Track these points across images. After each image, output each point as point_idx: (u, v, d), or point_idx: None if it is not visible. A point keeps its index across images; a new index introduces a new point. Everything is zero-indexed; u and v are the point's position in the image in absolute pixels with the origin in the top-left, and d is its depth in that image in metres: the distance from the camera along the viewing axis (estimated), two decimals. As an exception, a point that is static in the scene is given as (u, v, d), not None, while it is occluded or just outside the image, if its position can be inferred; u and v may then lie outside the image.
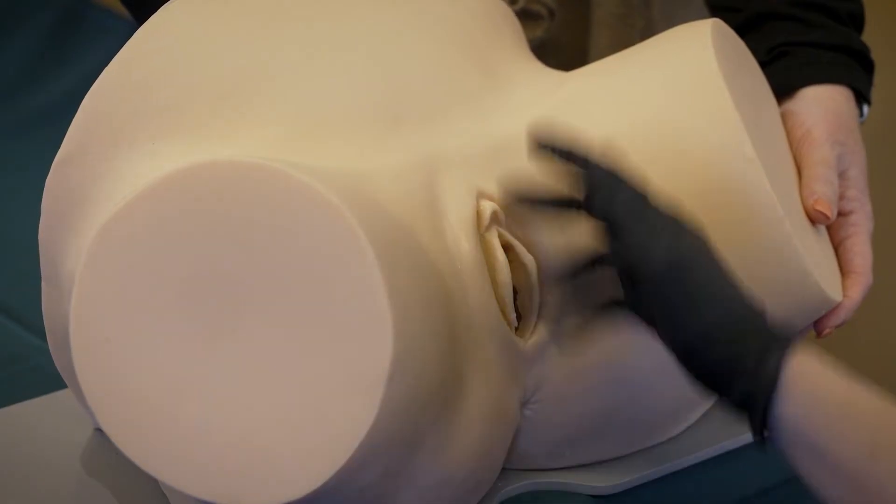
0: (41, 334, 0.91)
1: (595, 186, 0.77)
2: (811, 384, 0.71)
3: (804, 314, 0.89)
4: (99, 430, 0.95)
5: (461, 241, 0.82)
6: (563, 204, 0.79)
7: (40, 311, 0.88)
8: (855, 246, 0.95)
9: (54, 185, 0.84)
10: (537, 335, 0.85)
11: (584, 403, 0.88)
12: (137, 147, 0.82)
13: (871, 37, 1.05)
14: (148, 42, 0.83)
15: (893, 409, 0.70)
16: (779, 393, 0.71)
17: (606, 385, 0.88)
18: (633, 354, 0.87)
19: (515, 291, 0.85)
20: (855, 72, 1.00)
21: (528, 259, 0.85)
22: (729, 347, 0.73)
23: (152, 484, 0.89)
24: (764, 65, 0.98)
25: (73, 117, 0.83)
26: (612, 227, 0.76)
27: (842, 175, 0.96)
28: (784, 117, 0.97)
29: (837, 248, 0.96)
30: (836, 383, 0.71)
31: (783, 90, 0.98)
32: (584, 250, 0.79)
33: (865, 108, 1.01)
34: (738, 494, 0.93)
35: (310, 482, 0.73)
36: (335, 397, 0.73)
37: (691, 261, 0.75)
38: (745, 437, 0.78)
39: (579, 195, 0.77)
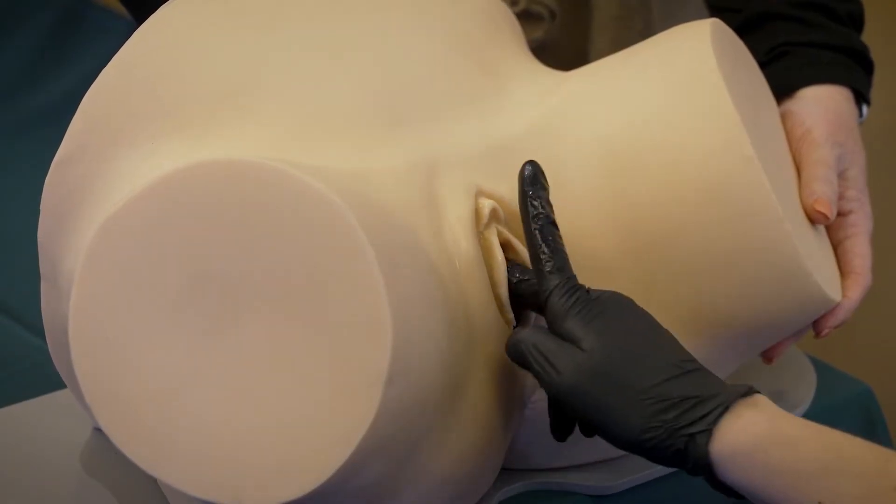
0: (40, 334, 0.91)
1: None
2: (747, 451, 0.73)
3: (804, 314, 0.89)
4: (98, 430, 0.95)
5: (460, 239, 0.82)
6: None
7: (39, 311, 0.88)
8: (854, 246, 0.95)
9: (54, 185, 0.84)
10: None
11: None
12: (137, 147, 0.82)
13: (871, 37, 1.05)
14: (147, 42, 0.83)
15: (832, 465, 0.72)
16: (719, 465, 0.74)
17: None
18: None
19: (515, 291, 0.85)
20: (855, 72, 1.00)
21: (527, 258, 0.85)
22: (653, 443, 0.75)
23: (152, 484, 0.89)
24: (764, 65, 0.98)
25: (72, 117, 0.83)
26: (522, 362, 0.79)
27: (841, 175, 0.96)
28: (784, 117, 0.97)
29: (837, 248, 0.96)
30: (773, 444, 0.73)
31: (783, 90, 0.98)
32: None
33: (865, 109, 1.01)
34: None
35: (309, 482, 0.73)
36: (335, 397, 0.73)
37: (591, 387, 0.76)
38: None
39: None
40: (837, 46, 1.00)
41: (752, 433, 0.73)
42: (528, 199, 0.81)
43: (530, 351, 0.78)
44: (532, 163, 0.82)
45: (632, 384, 0.75)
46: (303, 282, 0.73)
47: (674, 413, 0.75)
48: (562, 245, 0.81)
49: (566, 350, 0.77)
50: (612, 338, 0.76)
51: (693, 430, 0.74)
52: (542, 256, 0.80)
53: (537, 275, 0.80)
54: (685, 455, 0.75)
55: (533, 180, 0.82)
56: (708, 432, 0.74)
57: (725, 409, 0.74)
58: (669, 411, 0.75)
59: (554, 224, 0.81)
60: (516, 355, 0.79)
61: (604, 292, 0.79)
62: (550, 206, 0.82)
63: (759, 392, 0.76)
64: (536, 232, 0.81)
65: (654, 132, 0.87)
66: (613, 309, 0.78)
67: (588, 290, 0.79)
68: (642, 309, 0.79)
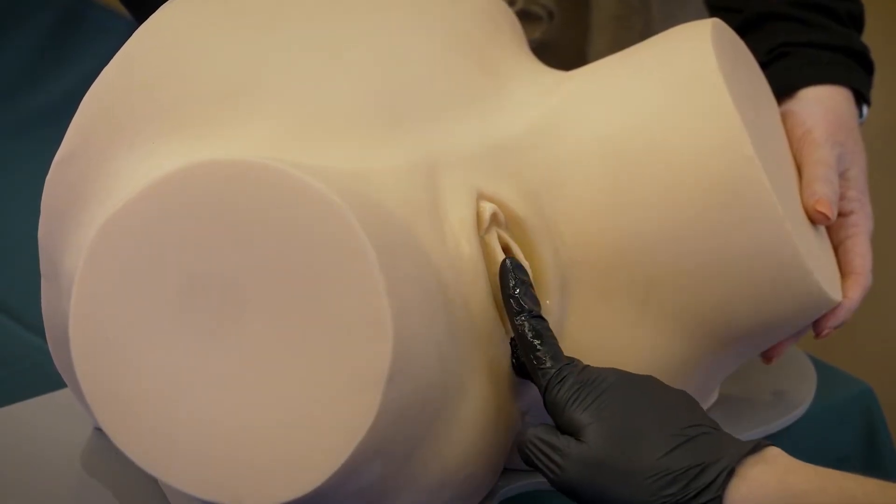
0: (41, 333, 0.91)
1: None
2: (754, 497, 0.73)
3: (804, 314, 0.89)
4: (98, 430, 0.95)
5: (461, 242, 0.82)
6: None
7: (40, 311, 0.88)
8: (855, 247, 0.95)
9: (54, 184, 0.84)
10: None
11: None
12: (137, 146, 0.82)
13: (871, 37, 1.05)
14: (148, 42, 0.83)
15: None
16: None
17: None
18: (633, 355, 0.87)
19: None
20: (855, 72, 1.00)
21: (527, 262, 0.85)
22: None
23: (152, 484, 0.89)
24: (764, 65, 0.98)
25: (72, 117, 0.83)
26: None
27: (842, 175, 0.96)
28: (784, 117, 0.97)
29: (837, 248, 0.96)
30: (785, 502, 0.72)
31: (783, 90, 0.98)
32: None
33: (865, 109, 1.01)
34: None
35: (309, 482, 0.73)
36: (335, 397, 0.73)
37: (593, 479, 0.76)
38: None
39: None
40: (837, 46, 1.00)
41: (762, 494, 0.73)
42: (510, 296, 0.82)
43: (531, 450, 0.78)
44: (507, 259, 0.83)
45: (633, 467, 0.75)
46: (303, 282, 0.73)
47: (678, 485, 0.74)
48: (551, 335, 0.81)
49: (566, 445, 0.76)
50: (612, 421, 0.76)
51: (701, 500, 0.73)
52: (537, 352, 0.80)
53: (531, 370, 0.80)
54: None
55: (512, 273, 0.82)
56: (718, 500, 0.73)
57: (730, 473, 0.73)
58: (673, 485, 0.74)
59: (539, 316, 0.81)
60: (523, 456, 0.78)
61: (602, 371, 0.79)
62: (532, 296, 0.82)
63: (770, 445, 0.75)
64: (523, 327, 0.81)
65: (655, 132, 0.87)
66: (613, 387, 0.78)
67: (583, 369, 0.79)
68: (645, 377, 0.79)
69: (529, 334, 0.80)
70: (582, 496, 0.76)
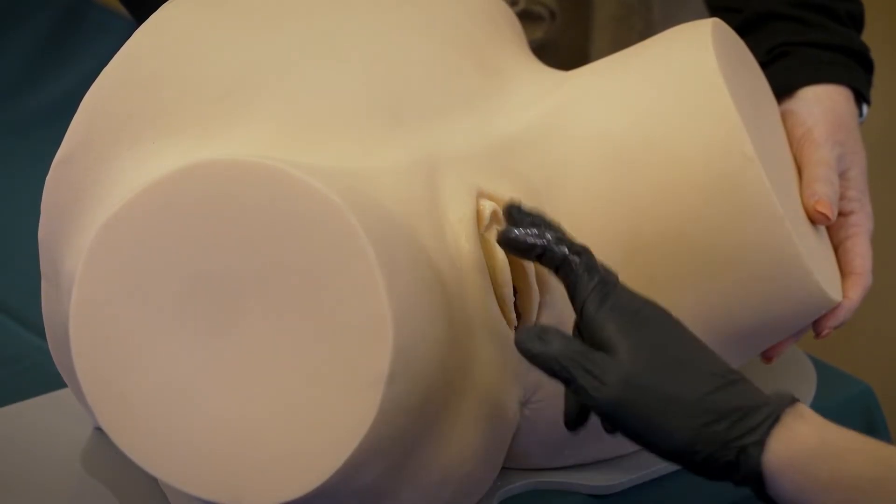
0: (41, 333, 0.91)
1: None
2: (799, 464, 0.72)
3: (804, 314, 0.89)
4: (99, 429, 0.95)
5: (461, 240, 0.82)
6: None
7: (40, 311, 0.88)
8: (855, 247, 0.95)
9: (54, 185, 0.84)
10: (537, 335, 0.85)
11: (584, 403, 0.88)
12: (137, 146, 0.82)
13: (871, 37, 1.05)
14: (147, 41, 0.83)
15: (885, 477, 0.71)
16: (769, 477, 0.72)
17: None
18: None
19: (515, 291, 0.85)
20: (855, 72, 1.00)
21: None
22: (703, 455, 0.73)
23: (152, 484, 0.89)
24: (764, 65, 0.98)
25: (72, 117, 0.83)
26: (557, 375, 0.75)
27: (842, 175, 0.96)
28: (784, 117, 0.97)
29: (837, 248, 0.96)
30: (824, 457, 0.71)
31: (783, 90, 0.98)
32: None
33: (865, 108, 1.01)
34: (738, 494, 0.93)
35: (309, 482, 0.73)
36: (335, 397, 0.73)
37: (637, 399, 0.73)
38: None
39: None
40: (837, 46, 1.00)
41: (803, 444, 0.72)
42: (519, 221, 0.79)
43: (566, 363, 0.74)
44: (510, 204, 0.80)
45: (678, 396, 0.73)
46: (303, 281, 0.73)
47: (724, 424, 0.72)
48: (580, 243, 0.78)
49: (607, 361, 0.74)
50: (654, 350, 0.74)
51: (745, 441, 0.72)
52: (571, 259, 0.77)
53: (565, 280, 0.77)
54: (736, 467, 0.73)
55: (515, 210, 0.80)
56: (760, 443, 0.72)
57: (776, 419, 0.72)
58: (720, 422, 0.72)
59: (557, 227, 0.79)
60: (556, 369, 0.75)
61: (641, 302, 0.76)
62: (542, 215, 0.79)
63: (800, 401, 0.74)
64: (548, 238, 0.78)
65: (655, 131, 0.87)
66: (653, 321, 0.76)
67: (623, 291, 0.76)
68: (678, 320, 0.77)
69: (555, 243, 0.78)
70: (623, 419, 0.73)
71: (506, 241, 0.79)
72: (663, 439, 0.73)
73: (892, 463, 0.71)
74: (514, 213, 0.80)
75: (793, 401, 0.74)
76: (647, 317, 0.76)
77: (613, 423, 0.74)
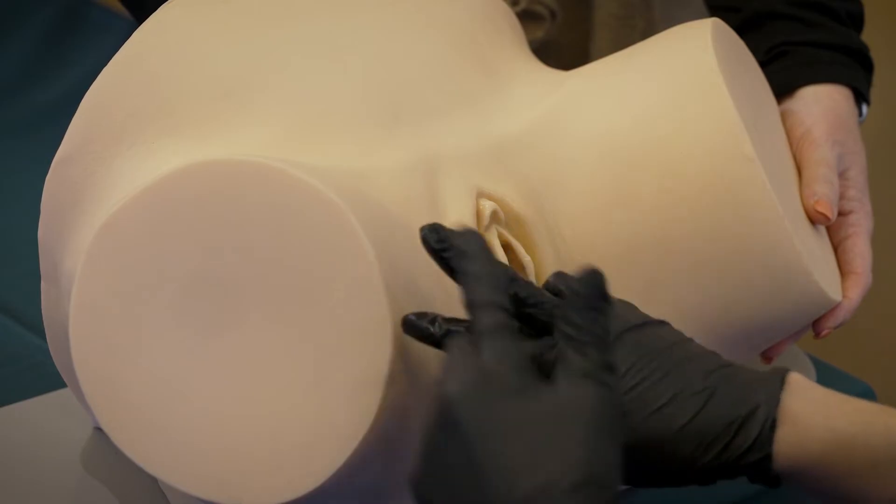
0: (41, 333, 0.91)
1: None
2: (813, 460, 0.68)
3: (804, 314, 0.89)
4: (99, 429, 0.95)
5: (461, 240, 0.82)
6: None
7: (40, 311, 0.88)
8: (855, 246, 0.95)
9: (54, 184, 0.84)
10: (537, 335, 0.85)
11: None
12: (137, 146, 0.82)
13: (871, 37, 1.05)
14: (147, 42, 0.83)
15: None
16: (784, 476, 0.68)
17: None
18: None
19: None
20: (854, 71, 1.00)
21: (528, 259, 0.85)
22: (711, 477, 0.69)
23: (152, 484, 0.89)
24: (764, 65, 0.98)
25: (72, 117, 0.83)
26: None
27: (842, 175, 0.96)
28: (784, 117, 0.97)
29: (837, 248, 0.96)
30: (836, 451, 0.68)
31: (783, 90, 0.98)
32: None
33: (865, 108, 1.01)
34: (738, 494, 0.93)
35: (309, 482, 0.73)
36: (335, 397, 0.73)
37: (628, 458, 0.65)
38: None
39: None
40: (837, 46, 1.00)
41: (810, 440, 0.68)
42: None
43: None
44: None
45: (660, 436, 0.68)
46: (303, 281, 0.73)
47: (716, 449, 0.68)
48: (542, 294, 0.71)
49: None
50: (625, 384, 0.68)
51: (748, 458, 0.68)
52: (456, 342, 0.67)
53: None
54: (748, 477, 0.69)
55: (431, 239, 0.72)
56: (767, 458, 0.68)
57: (773, 425, 0.68)
58: (711, 449, 0.68)
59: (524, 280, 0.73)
60: None
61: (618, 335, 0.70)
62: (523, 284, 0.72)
63: (787, 370, 0.70)
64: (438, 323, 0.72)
65: (654, 131, 0.87)
66: (621, 342, 0.69)
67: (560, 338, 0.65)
68: (654, 322, 0.71)
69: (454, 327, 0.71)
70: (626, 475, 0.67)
71: (405, 327, 0.73)
72: (667, 479, 0.70)
73: None
74: (430, 243, 0.73)
75: (783, 381, 0.69)
76: (615, 345, 0.69)
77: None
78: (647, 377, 0.69)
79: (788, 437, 0.68)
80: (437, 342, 0.72)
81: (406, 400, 0.75)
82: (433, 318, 0.73)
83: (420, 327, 0.72)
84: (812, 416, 0.68)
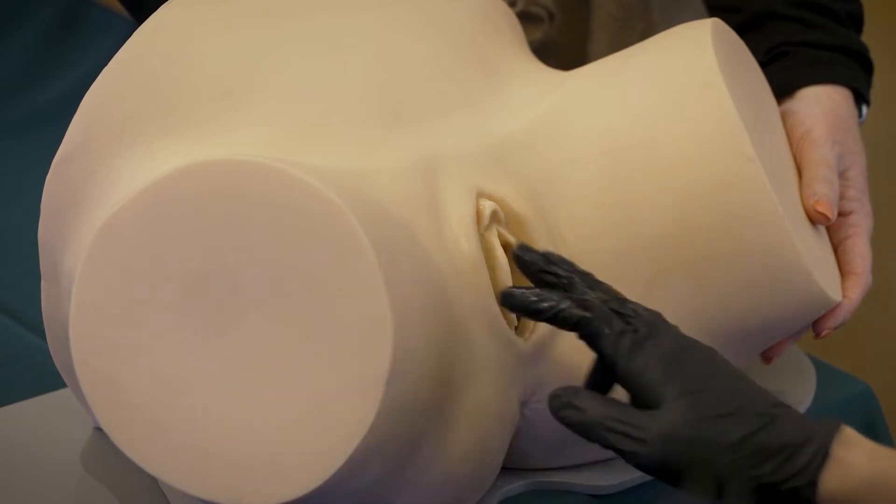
0: (41, 333, 0.91)
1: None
2: (853, 497, 0.70)
3: (804, 314, 0.89)
4: (99, 429, 0.95)
5: (461, 240, 0.82)
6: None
7: (40, 311, 0.88)
8: (855, 247, 0.95)
9: (54, 184, 0.84)
10: (537, 335, 0.85)
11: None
12: (137, 146, 0.82)
13: (871, 37, 1.05)
14: (147, 42, 0.83)
15: None
16: (820, 490, 0.70)
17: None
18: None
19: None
20: (854, 72, 1.00)
21: (528, 259, 0.85)
22: (753, 500, 0.71)
23: (152, 484, 0.89)
24: (763, 65, 0.98)
25: (72, 117, 0.83)
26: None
27: (841, 175, 0.96)
28: (784, 117, 0.97)
29: (837, 248, 0.96)
30: (878, 489, 0.70)
31: (783, 90, 0.98)
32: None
33: (864, 109, 1.01)
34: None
35: (309, 482, 0.73)
36: (335, 397, 0.73)
37: (679, 453, 0.71)
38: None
39: None
40: (837, 46, 1.00)
41: (856, 477, 0.70)
42: (530, 263, 0.77)
43: (605, 431, 0.71)
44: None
45: (723, 443, 0.71)
46: (303, 281, 0.73)
47: (770, 466, 0.70)
48: (596, 285, 0.76)
49: (646, 419, 0.71)
50: (694, 398, 0.72)
51: (795, 483, 0.70)
52: (583, 319, 0.74)
53: (585, 340, 0.75)
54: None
55: (523, 252, 0.77)
56: (812, 484, 0.70)
57: (825, 456, 0.70)
58: (765, 464, 0.70)
59: (567, 270, 0.77)
60: (594, 437, 0.72)
61: (677, 342, 0.74)
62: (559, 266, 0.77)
63: (842, 423, 0.72)
64: (553, 300, 0.75)
65: (654, 132, 0.87)
66: (691, 363, 0.73)
67: (653, 334, 0.73)
68: (718, 355, 0.75)
69: (577, 314, 0.75)
70: (666, 474, 0.72)
71: (506, 302, 0.77)
72: (706, 490, 0.71)
73: None
74: (523, 257, 0.77)
75: (839, 427, 0.72)
76: (685, 360, 0.73)
77: (657, 478, 0.72)
78: (713, 387, 0.73)
79: (833, 472, 0.70)
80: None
81: (406, 400, 0.75)
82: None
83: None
84: (858, 456, 0.71)
